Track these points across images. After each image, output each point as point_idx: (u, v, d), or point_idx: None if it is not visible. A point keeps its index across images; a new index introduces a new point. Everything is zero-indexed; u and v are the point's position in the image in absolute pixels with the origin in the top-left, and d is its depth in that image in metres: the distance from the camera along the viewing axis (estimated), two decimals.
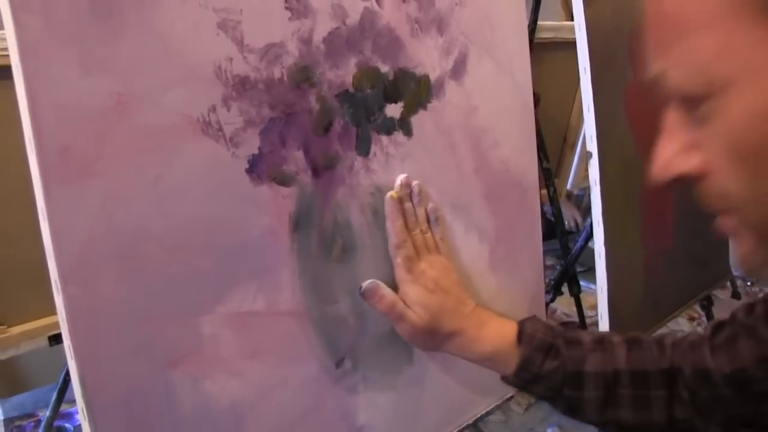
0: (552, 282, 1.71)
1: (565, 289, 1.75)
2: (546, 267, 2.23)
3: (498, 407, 1.10)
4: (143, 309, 0.64)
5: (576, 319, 1.77)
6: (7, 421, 1.54)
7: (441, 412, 0.96)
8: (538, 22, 1.70)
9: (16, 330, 1.22)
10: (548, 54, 1.79)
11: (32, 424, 1.51)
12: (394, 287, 0.82)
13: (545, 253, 2.19)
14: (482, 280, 1.00)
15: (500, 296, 1.03)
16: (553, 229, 1.75)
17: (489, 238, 1.00)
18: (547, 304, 1.73)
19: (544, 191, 2.13)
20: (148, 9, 0.62)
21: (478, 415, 1.04)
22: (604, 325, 1.24)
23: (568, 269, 1.68)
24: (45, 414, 1.25)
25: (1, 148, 0.96)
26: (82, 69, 0.58)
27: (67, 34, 0.57)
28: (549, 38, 1.74)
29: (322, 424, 0.81)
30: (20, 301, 1.19)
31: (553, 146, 1.95)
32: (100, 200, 0.60)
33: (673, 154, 0.44)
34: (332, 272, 0.81)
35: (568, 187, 2.15)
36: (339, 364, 0.82)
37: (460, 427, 1.01)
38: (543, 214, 1.95)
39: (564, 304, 1.96)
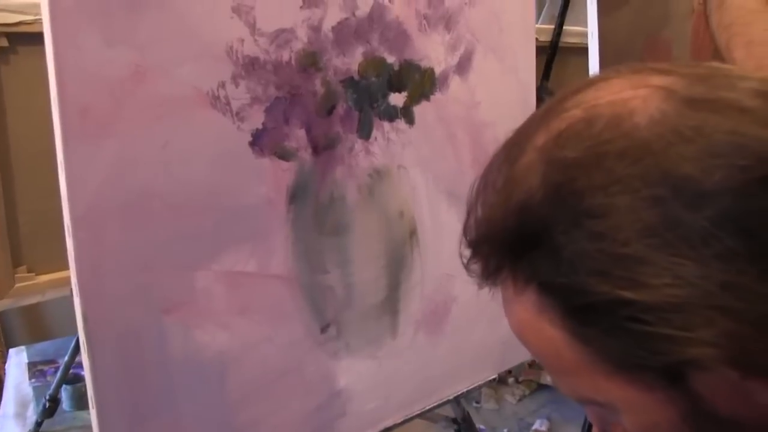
0: None
1: None
2: None
3: (480, 387, 1.15)
4: (144, 257, 0.71)
5: None
6: (31, 365, 1.66)
7: (420, 384, 1.02)
8: (564, 26, 1.73)
9: (43, 278, 1.30)
10: (574, 58, 1.82)
11: (52, 369, 1.61)
12: (386, 265, 0.88)
13: None
14: None
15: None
16: None
17: None
18: None
19: None
20: None
21: (459, 392, 1.10)
22: None
23: None
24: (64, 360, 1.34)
25: (34, 110, 1.03)
26: (106, 40, 0.66)
27: (94, 8, 0.64)
28: (575, 43, 1.77)
29: (303, 383, 0.88)
30: (50, 252, 1.27)
31: None
32: (113, 158, 0.68)
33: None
34: (325, 244, 0.87)
35: None
36: (324, 329, 0.89)
37: (439, 402, 1.06)
38: None
39: None
